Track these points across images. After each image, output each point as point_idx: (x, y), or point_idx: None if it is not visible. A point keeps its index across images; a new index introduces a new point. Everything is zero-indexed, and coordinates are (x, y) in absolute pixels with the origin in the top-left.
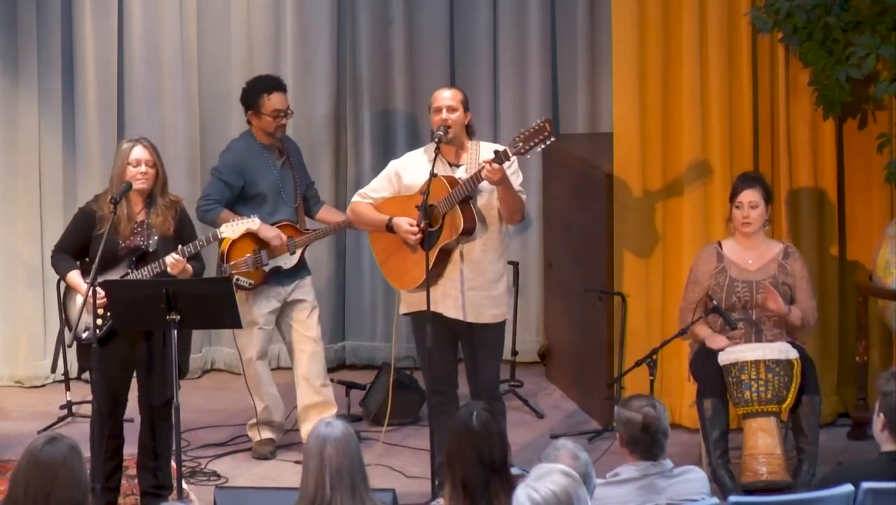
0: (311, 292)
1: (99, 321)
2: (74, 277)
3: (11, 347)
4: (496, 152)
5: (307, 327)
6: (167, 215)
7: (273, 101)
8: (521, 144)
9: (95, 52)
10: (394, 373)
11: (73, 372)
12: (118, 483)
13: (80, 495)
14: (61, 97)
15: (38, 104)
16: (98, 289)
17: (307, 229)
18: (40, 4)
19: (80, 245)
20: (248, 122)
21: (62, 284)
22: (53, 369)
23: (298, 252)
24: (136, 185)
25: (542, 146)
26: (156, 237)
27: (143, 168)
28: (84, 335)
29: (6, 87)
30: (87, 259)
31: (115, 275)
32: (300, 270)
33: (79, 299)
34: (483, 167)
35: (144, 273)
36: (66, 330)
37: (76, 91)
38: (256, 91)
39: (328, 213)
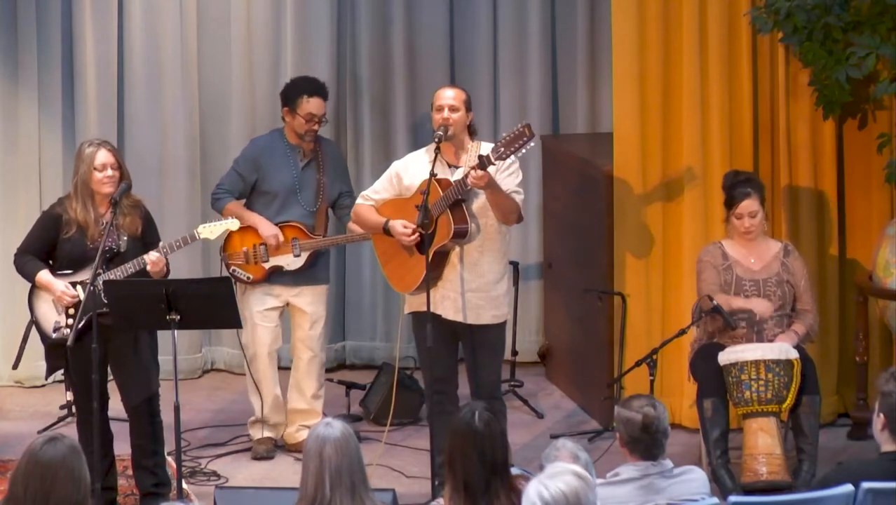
0: (315, 303)
1: (70, 321)
2: (45, 275)
3: (11, 347)
4: (480, 157)
5: (308, 337)
6: (134, 215)
7: (311, 104)
8: (502, 150)
9: (95, 52)
10: (397, 373)
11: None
12: (115, 482)
13: (79, 495)
14: (61, 97)
15: (38, 104)
16: (72, 289)
17: (324, 235)
18: (40, 4)
19: (45, 248)
20: (283, 118)
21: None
22: (15, 366)
23: (304, 255)
24: (104, 189)
25: (524, 150)
26: (125, 238)
27: (108, 172)
28: (54, 335)
29: (6, 87)
30: (50, 262)
31: (86, 275)
32: (306, 276)
33: (49, 299)
34: (468, 173)
35: (118, 273)
36: (43, 332)
37: (76, 91)
38: (298, 91)
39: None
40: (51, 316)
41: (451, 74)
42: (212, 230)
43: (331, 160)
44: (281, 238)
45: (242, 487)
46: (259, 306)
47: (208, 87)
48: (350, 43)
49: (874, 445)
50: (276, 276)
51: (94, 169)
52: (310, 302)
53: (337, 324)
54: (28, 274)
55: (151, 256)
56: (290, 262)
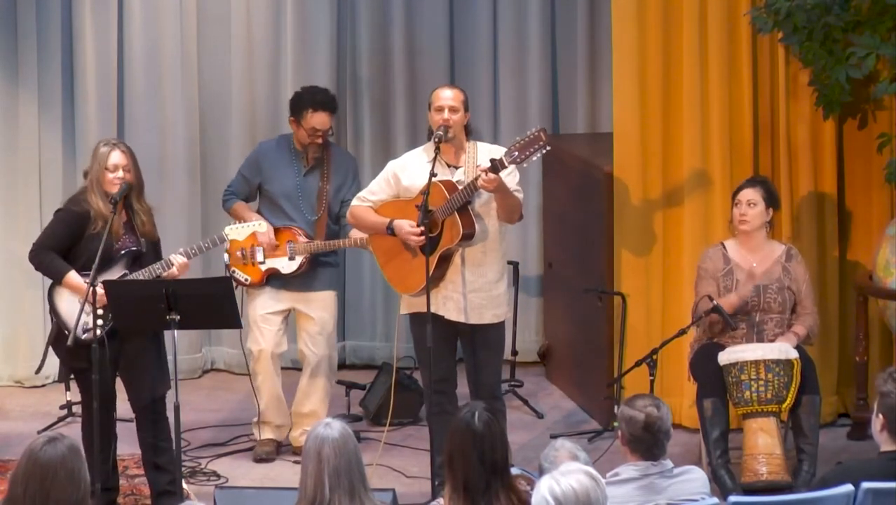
0: (321, 309)
1: (100, 321)
2: (74, 277)
3: (11, 347)
4: (492, 161)
5: (315, 344)
6: (149, 220)
7: (315, 119)
8: (516, 154)
9: (95, 52)
10: (396, 373)
11: (56, 373)
12: (116, 483)
13: (79, 495)
14: (61, 97)
15: (38, 104)
16: (98, 288)
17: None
18: (40, 4)
19: (70, 245)
20: (290, 124)
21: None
22: (38, 371)
23: (298, 259)
24: (113, 189)
25: (538, 155)
26: (143, 239)
27: (120, 173)
28: (84, 336)
29: (6, 87)
30: (71, 258)
31: (112, 276)
32: (312, 281)
33: (73, 298)
34: (479, 176)
35: (145, 274)
36: (65, 330)
37: (76, 91)
38: (304, 103)
39: (357, 232)
40: (75, 316)
41: (451, 74)
42: (239, 231)
43: (340, 169)
44: (273, 240)
45: (242, 487)
46: (262, 310)
47: (208, 87)
48: (350, 43)
49: (874, 445)
50: (277, 280)
51: (106, 169)
52: (316, 308)
53: (337, 324)
54: (55, 273)
55: (179, 259)
56: (285, 265)
